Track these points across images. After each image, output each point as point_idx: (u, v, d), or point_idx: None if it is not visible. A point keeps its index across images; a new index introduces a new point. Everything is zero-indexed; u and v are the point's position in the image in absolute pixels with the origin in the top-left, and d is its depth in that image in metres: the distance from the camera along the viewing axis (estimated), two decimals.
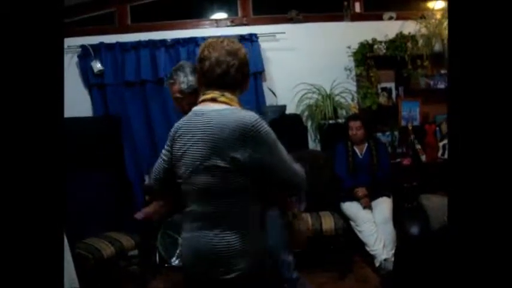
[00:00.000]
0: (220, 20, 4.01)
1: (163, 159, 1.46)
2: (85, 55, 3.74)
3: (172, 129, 1.43)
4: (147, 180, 3.63)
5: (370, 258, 3.14)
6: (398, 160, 3.80)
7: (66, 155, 1.01)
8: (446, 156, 3.74)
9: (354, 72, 3.98)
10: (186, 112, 1.49)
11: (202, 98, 1.37)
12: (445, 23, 3.67)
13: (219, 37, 1.42)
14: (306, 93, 3.88)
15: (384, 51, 3.80)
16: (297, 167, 1.38)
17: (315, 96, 3.86)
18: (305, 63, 3.94)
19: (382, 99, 3.90)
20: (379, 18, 4.04)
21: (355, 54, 3.88)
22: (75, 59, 3.78)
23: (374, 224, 3.16)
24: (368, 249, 3.11)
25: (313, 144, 3.98)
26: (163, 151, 1.47)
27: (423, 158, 3.75)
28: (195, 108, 1.38)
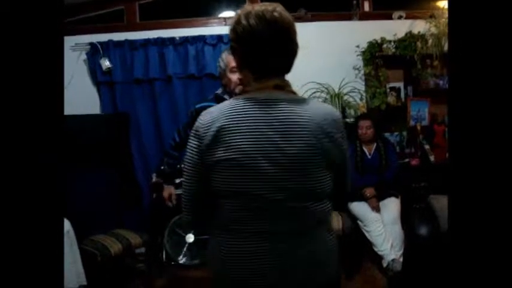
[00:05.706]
0: (229, 18, 4.00)
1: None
2: (94, 53, 3.75)
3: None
4: (154, 179, 3.64)
5: (377, 258, 3.13)
6: (407, 160, 3.78)
7: (65, 152, 0.98)
8: None
9: (362, 72, 3.96)
10: None
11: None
12: None
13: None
14: (314, 93, 3.86)
15: (393, 50, 3.78)
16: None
17: (323, 95, 3.84)
18: (313, 62, 3.91)
19: (391, 99, 3.88)
20: (389, 17, 4.01)
21: (363, 53, 3.86)
22: (84, 56, 3.79)
23: (382, 224, 3.14)
24: (376, 249, 3.10)
25: None
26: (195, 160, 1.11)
27: (432, 158, 3.72)
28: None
